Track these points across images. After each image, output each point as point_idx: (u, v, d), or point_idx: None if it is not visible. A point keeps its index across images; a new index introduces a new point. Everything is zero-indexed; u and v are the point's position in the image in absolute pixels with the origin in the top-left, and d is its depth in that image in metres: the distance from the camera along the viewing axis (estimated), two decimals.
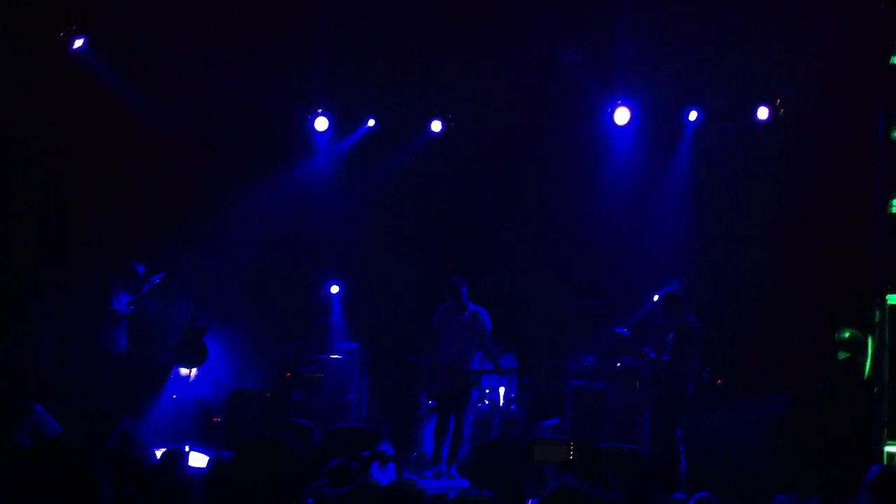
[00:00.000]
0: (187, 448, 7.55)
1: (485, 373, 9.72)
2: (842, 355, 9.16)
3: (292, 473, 4.31)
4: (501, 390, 10.46)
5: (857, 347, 8.91)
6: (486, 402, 10.44)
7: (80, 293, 10.71)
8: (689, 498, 5.66)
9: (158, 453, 6.49)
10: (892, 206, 8.04)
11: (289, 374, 10.97)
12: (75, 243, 10.92)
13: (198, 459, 7.44)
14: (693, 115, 11.13)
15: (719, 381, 9.99)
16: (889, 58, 8.08)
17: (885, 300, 8.14)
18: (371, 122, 12.12)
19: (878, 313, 8.14)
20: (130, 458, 5.53)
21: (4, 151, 10.28)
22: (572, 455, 7.30)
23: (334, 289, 11.99)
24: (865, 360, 8.71)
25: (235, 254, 11.65)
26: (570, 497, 4.37)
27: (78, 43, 10.51)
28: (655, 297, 10.05)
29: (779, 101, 10.72)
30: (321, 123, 11.96)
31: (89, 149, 10.94)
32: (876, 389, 8.40)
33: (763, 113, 10.78)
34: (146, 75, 10.98)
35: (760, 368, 9.99)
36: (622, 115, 11.13)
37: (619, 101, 11.10)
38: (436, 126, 11.90)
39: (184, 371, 10.75)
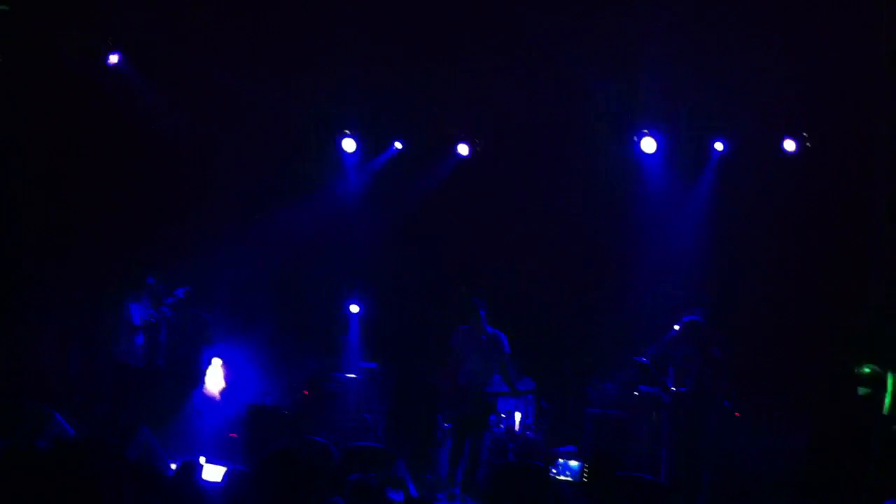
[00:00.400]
0: (203, 460, 7.59)
1: (502, 395, 9.68)
2: (862, 391, 9.09)
3: (310, 488, 4.35)
4: (518, 415, 10.42)
5: (878, 383, 8.84)
6: (503, 427, 10.41)
7: (96, 301, 10.83)
8: None
9: (174, 465, 6.54)
10: None
11: (307, 392, 11.00)
12: (92, 252, 11.07)
13: (213, 472, 7.48)
14: (719, 146, 11.13)
15: (738, 413, 9.91)
16: None
17: None
18: (398, 145, 12.21)
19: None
20: (148, 467, 5.58)
21: (24, 153, 10.47)
22: (586, 477, 7.28)
23: (354, 308, 12.04)
24: (885, 397, 8.64)
25: (260, 270, 11.75)
26: None
27: (113, 59, 10.71)
28: (676, 327, 10.01)
29: (806, 133, 10.71)
30: (349, 145, 12.08)
31: (120, 159, 11.14)
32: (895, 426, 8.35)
33: (790, 145, 10.76)
34: (177, 87, 11.16)
35: (780, 401, 9.92)
36: (649, 144, 11.17)
37: (646, 131, 11.14)
38: (462, 150, 11.96)
39: (210, 391, 10.83)
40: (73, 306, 10.82)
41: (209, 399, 11.04)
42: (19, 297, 10.59)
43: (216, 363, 11.16)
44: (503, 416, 10.38)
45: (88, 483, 3.13)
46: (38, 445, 5.99)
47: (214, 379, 11.09)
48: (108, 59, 10.70)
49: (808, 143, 10.73)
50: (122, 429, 7.84)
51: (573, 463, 9.55)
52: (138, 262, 10.72)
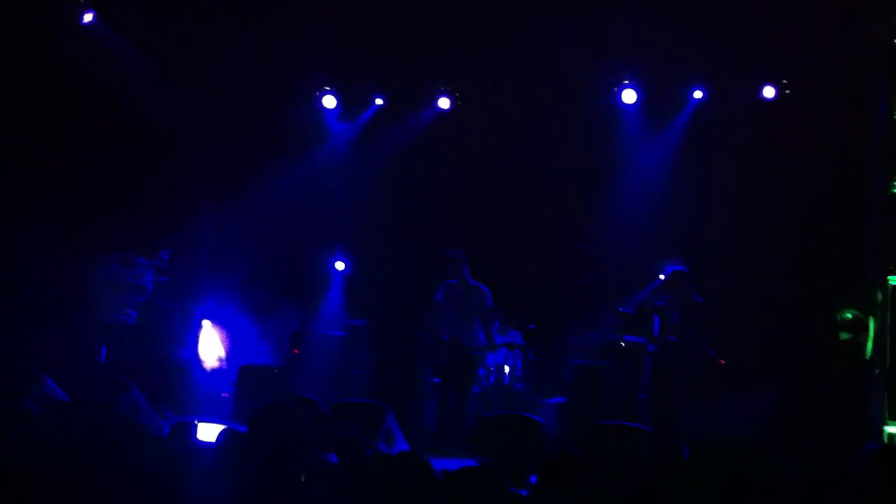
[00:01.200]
0: (196, 422, 7.65)
1: (486, 349, 9.78)
2: (843, 336, 9.23)
3: (302, 444, 4.40)
4: (506, 368, 10.52)
5: (859, 328, 8.97)
6: (491, 380, 10.51)
7: (79, 263, 10.79)
8: None
9: (167, 426, 6.60)
10: (892, 186, 8.08)
11: (296, 350, 11.07)
12: (71, 214, 11.00)
13: (207, 432, 7.54)
14: (698, 95, 11.14)
15: (722, 361, 10.05)
16: (892, 38, 8.10)
17: (886, 281, 8.21)
18: (378, 101, 12.16)
19: (879, 294, 8.20)
20: (138, 424, 5.62)
21: (12, 129, 10.34)
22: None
23: (339, 265, 12.06)
24: (867, 341, 8.78)
25: (244, 230, 11.74)
26: (571, 468, 4.47)
27: (88, 17, 10.56)
28: (661, 276, 10.10)
29: (785, 80, 10.73)
30: (328, 101, 12.03)
31: (94, 126, 11.01)
32: (877, 370, 8.49)
33: (769, 92, 10.79)
34: (152, 46, 11.04)
35: (760, 349, 10.04)
36: (629, 96, 11.17)
37: (626, 81, 11.13)
38: (443, 103, 11.92)
39: (202, 352, 10.86)
40: (58, 269, 10.75)
41: (201, 360, 11.09)
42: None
43: (206, 325, 11.19)
44: (491, 369, 10.48)
45: (83, 443, 3.17)
46: (31, 407, 6.02)
47: (206, 340, 11.13)
48: (82, 17, 10.55)
49: (786, 90, 10.76)
50: (110, 388, 7.88)
51: None
52: (120, 223, 10.67)
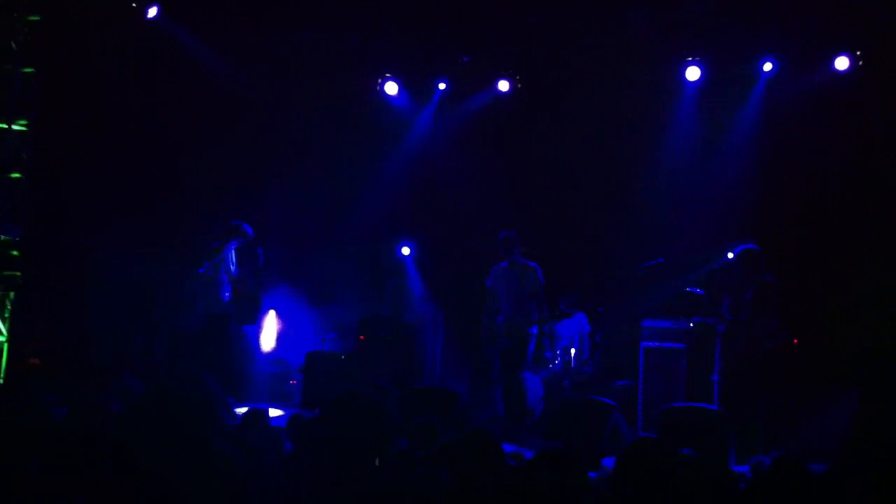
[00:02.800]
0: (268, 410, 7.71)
1: (541, 323, 9.65)
2: None
3: (375, 431, 4.38)
4: (573, 351, 10.43)
5: None
6: (559, 363, 10.43)
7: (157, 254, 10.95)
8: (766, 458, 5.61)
9: (240, 411, 6.65)
10: None
11: (363, 337, 11.10)
12: (147, 207, 11.17)
13: (276, 419, 7.59)
14: (768, 67, 10.86)
15: (796, 340, 9.80)
16: None
17: None
18: (441, 86, 12.13)
19: None
20: (214, 414, 5.67)
21: (88, 127, 10.50)
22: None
23: (405, 251, 12.07)
24: None
25: (310, 218, 11.82)
26: (649, 453, 4.38)
27: (152, 12, 10.66)
28: (730, 255, 9.89)
29: (858, 51, 10.40)
30: (390, 88, 12.03)
31: (166, 120, 11.16)
32: None
33: (842, 63, 10.46)
34: (214, 39, 11.13)
35: (838, 333, 9.75)
36: (693, 73, 10.95)
37: (690, 58, 10.91)
38: (503, 86, 11.83)
39: (266, 340, 10.93)
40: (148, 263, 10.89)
41: (264, 347, 11.17)
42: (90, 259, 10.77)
43: (271, 314, 11.27)
44: (558, 352, 10.40)
45: (161, 435, 3.18)
46: (111, 402, 6.13)
47: (270, 328, 11.21)
48: (147, 12, 10.67)
49: (860, 61, 10.43)
50: (183, 379, 7.96)
51: None
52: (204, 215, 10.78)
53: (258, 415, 5.94)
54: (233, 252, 9.86)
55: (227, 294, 9.84)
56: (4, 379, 9.30)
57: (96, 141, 10.76)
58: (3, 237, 9.38)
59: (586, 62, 11.24)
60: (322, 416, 4.17)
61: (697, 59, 10.84)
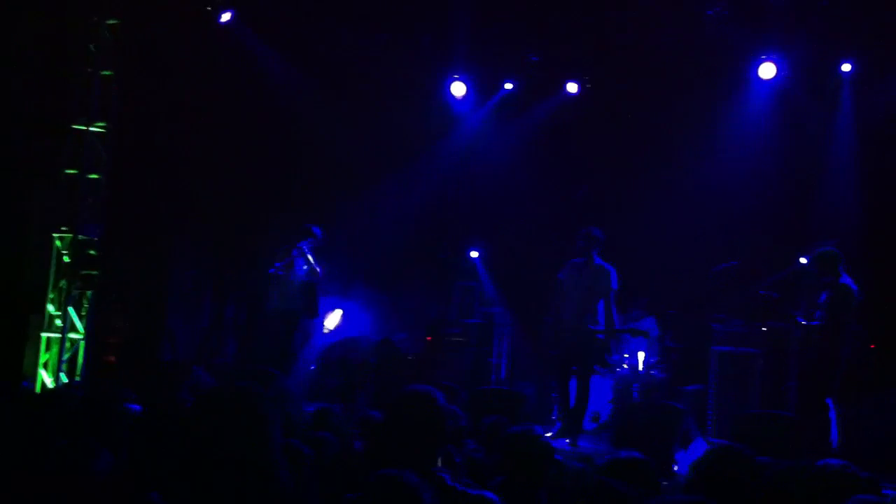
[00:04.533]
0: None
1: (609, 334, 9.38)
2: None
3: (445, 431, 4.38)
4: (641, 355, 10.30)
5: None
6: (626, 367, 10.32)
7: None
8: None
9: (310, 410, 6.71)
10: None
11: (430, 338, 11.13)
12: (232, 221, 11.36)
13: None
14: (846, 68, 10.59)
15: (873, 346, 9.54)
16: None
17: None
18: (508, 86, 12.10)
19: None
20: (286, 412, 5.73)
21: (158, 131, 10.73)
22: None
23: (474, 254, 12.07)
24: None
25: (381, 220, 11.90)
26: (726, 461, 4.29)
27: (226, 16, 10.85)
28: (802, 260, 9.67)
29: None
30: (458, 89, 12.04)
31: (236, 125, 11.34)
32: None
33: None
34: (285, 43, 11.26)
35: None
36: (768, 70, 10.73)
37: (765, 56, 10.69)
38: (572, 88, 11.76)
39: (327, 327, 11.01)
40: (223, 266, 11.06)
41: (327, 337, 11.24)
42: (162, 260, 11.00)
43: (338, 312, 11.37)
44: (626, 356, 10.28)
45: (243, 418, 3.22)
46: (185, 398, 6.23)
47: (332, 325, 11.30)
48: (220, 17, 10.85)
49: None
50: (258, 376, 8.06)
51: None
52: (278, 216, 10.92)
53: (327, 413, 5.98)
54: (307, 252, 10.00)
55: (297, 292, 9.97)
56: (81, 377, 9.53)
57: (173, 143, 10.98)
58: (82, 237, 9.62)
59: (656, 63, 11.10)
60: (388, 415, 4.18)
61: (773, 54, 10.63)
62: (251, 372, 7.38)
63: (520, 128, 12.19)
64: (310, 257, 9.95)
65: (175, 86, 10.81)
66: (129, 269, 10.73)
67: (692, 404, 9.43)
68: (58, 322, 9.60)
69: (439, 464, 4.36)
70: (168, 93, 10.73)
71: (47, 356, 9.50)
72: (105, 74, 9.73)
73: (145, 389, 6.60)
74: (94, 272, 9.63)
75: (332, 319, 11.30)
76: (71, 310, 9.57)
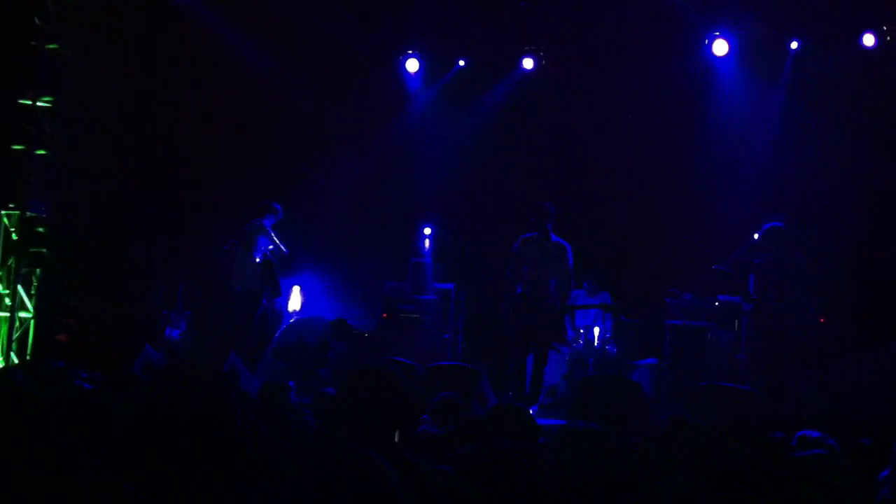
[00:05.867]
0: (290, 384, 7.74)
1: (565, 309, 9.45)
2: None
3: (399, 407, 4.37)
4: (596, 330, 10.39)
5: None
6: (581, 342, 10.40)
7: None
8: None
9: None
10: None
11: (385, 315, 11.12)
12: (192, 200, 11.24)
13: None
14: (795, 45, 10.73)
15: (822, 319, 9.73)
16: None
17: None
18: (461, 63, 12.06)
19: None
20: (234, 387, 5.68)
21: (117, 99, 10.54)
22: None
23: (427, 230, 12.06)
24: None
25: (332, 197, 11.82)
26: (685, 432, 4.34)
27: None
28: (756, 236, 9.81)
29: (885, 27, 10.26)
30: (412, 65, 11.98)
31: (188, 96, 11.18)
32: None
33: (869, 40, 10.33)
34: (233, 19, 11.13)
35: (869, 311, 9.66)
36: (721, 47, 10.83)
37: (718, 33, 10.79)
38: (527, 63, 11.76)
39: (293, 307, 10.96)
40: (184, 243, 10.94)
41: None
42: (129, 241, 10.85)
43: (295, 290, 11.30)
44: (581, 330, 10.37)
45: (180, 406, 3.18)
46: (134, 373, 6.17)
47: (294, 305, 11.24)
48: None
49: (888, 37, 10.29)
50: (209, 353, 8.01)
51: None
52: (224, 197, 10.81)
53: (276, 389, 5.93)
54: (269, 230, 9.91)
55: (258, 270, 9.90)
56: (31, 355, 9.40)
57: (123, 119, 10.80)
58: (30, 214, 9.45)
59: (609, 36, 11.14)
60: (343, 392, 4.16)
61: (725, 32, 10.73)
62: (203, 349, 7.35)
63: (475, 104, 12.16)
64: (273, 236, 9.86)
65: (127, 60, 10.62)
66: (81, 247, 10.56)
67: (646, 378, 9.55)
68: (7, 301, 9.44)
69: (396, 440, 4.36)
70: (120, 67, 10.53)
71: None
72: (51, 48, 9.53)
73: (96, 368, 6.53)
74: (43, 250, 9.47)
75: (294, 300, 11.23)
76: (20, 288, 9.42)
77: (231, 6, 11.04)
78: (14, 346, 9.33)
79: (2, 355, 9.29)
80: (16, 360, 9.26)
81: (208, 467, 2.93)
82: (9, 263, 9.49)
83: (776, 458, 3.90)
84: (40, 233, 9.48)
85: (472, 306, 11.50)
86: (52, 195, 9.67)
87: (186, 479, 2.89)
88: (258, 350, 9.91)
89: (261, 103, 11.63)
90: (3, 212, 9.48)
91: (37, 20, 9.45)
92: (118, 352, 8.49)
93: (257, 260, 9.90)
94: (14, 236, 9.47)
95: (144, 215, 11.04)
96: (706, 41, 10.86)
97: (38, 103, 9.50)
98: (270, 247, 9.91)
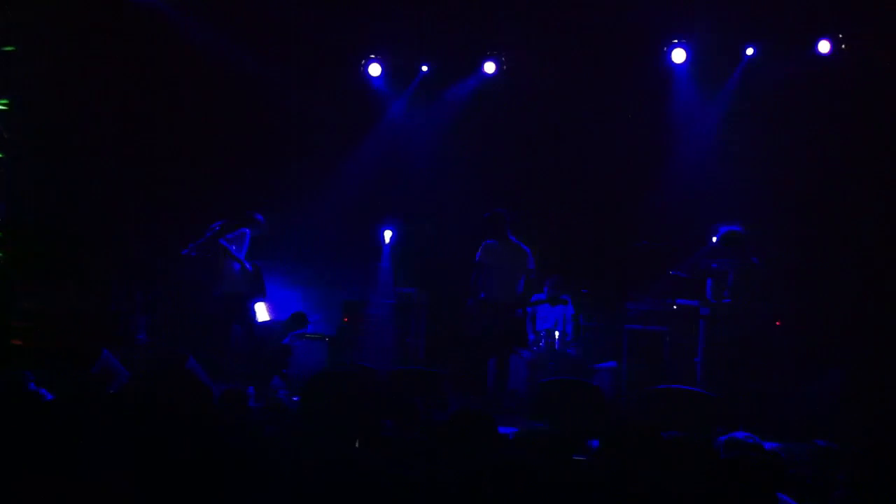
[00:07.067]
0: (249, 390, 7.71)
1: (529, 305, 9.56)
2: None
3: (359, 412, 4.38)
4: (556, 333, 10.46)
5: None
6: (542, 345, 10.46)
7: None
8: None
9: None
10: None
11: (346, 319, 11.10)
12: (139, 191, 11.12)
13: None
14: (750, 52, 10.89)
15: (778, 322, 9.86)
16: None
17: None
18: (424, 68, 12.08)
19: None
20: (193, 392, 5.62)
21: (86, 99, 10.42)
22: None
23: (388, 234, 12.05)
24: None
25: (293, 203, 11.77)
26: (635, 436, 4.39)
27: None
28: (714, 240, 9.93)
29: (840, 34, 10.44)
30: (374, 69, 11.97)
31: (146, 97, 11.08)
32: None
33: (824, 47, 10.51)
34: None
35: (824, 314, 9.79)
36: (679, 55, 10.97)
37: (676, 41, 10.92)
38: (489, 67, 11.80)
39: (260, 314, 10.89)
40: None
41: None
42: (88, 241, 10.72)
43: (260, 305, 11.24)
44: (541, 333, 10.42)
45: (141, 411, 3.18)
46: (95, 382, 6.09)
47: (260, 312, 11.18)
48: None
49: (843, 45, 10.47)
50: (168, 360, 7.92)
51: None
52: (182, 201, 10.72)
53: (234, 395, 5.89)
54: (247, 242, 9.87)
55: (249, 277, 9.84)
56: None
57: (83, 121, 10.68)
58: None
59: (570, 42, 11.22)
60: (302, 398, 4.16)
61: (682, 41, 10.86)
62: (162, 354, 7.28)
63: (437, 108, 12.18)
64: (232, 253, 9.77)
65: (85, 60, 10.50)
66: (37, 250, 10.42)
67: (605, 381, 9.63)
68: None
69: (357, 445, 4.36)
70: (77, 68, 10.41)
71: None
72: (7, 50, 9.39)
73: (52, 373, 6.44)
74: None
75: (262, 312, 11.16)
76: None
77: (201, 6, 10.96)
78: None
79: None
80: None
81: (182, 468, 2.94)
82: None
83: (702, 459, 3.97)
84: None
85: (433, 310, 11.51)
86: (7, 198, 9.52)
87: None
88: (242, 357, 9.83)
89: (225, 107, 11.53)
90: None
91: None
92: (76, 354, 8.37)
93: (249, 269, 9.86)
94: None
95: (101, 218, 10.91)
96: (665, 49, 10.98)
97: None
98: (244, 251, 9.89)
